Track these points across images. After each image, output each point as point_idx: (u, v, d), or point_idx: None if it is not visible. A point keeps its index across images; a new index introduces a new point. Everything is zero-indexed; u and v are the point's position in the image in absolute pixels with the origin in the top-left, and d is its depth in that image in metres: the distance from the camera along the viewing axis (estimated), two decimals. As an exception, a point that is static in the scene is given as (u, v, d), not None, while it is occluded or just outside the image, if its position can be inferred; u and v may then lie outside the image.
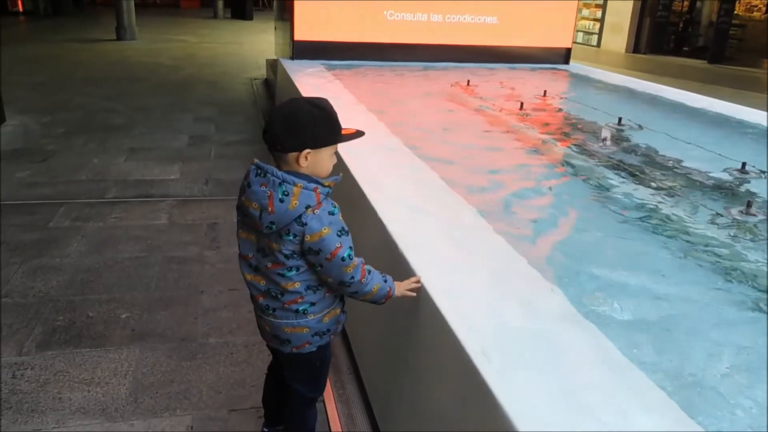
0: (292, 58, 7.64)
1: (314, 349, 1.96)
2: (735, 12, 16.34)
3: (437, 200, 2.76)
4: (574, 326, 1.76)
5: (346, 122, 1.84)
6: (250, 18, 23.69)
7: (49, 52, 12.67)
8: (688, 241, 2.84)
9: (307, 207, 1.71)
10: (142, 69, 11.16)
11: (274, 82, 8.65)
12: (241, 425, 2.40)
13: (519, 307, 1.86)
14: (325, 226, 1.72)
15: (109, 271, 3.61)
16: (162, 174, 5.43)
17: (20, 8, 21.22)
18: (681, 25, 18.80)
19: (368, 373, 2.67)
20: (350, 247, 1.79)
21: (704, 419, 1.63)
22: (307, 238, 1.72)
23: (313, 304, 1.88)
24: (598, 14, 19.55)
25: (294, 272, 1.81)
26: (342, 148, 1.93)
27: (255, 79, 10.67)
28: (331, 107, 1.81)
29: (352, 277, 1.81)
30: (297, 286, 1.83)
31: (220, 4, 24.39)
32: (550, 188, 3.61)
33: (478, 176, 3.65)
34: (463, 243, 2.31)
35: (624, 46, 18.34)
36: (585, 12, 19.49)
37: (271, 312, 1.91)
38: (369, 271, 1.87)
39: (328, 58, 7.57)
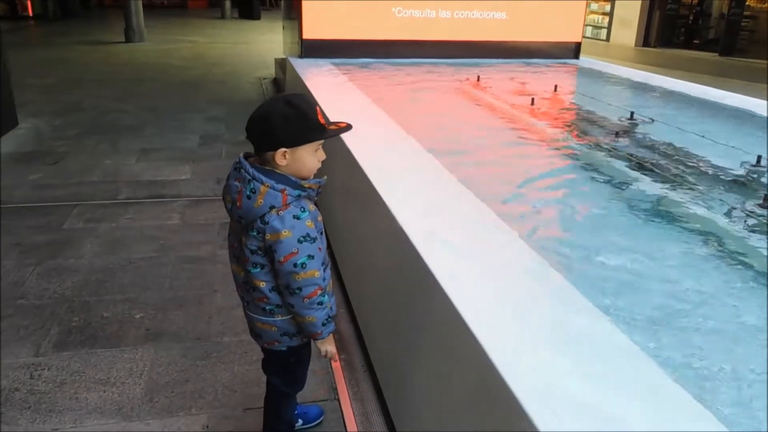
0: (301, 56, 7.64)
1: (284, 348, 1.98)
2: (747, 3, 16.16)
3: (453, 197, 2.75)
4: (591, 319, 1.75)
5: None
6: (258, 17, 23.76)
7: (58, 54, 12.75)
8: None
9: (272, 207, 1.72)
10: (152, 70, 11.21)
11: (282, 80, 8.66)
12: (256, 424, 2.39)
13: (534, 301, 1.85)
14: (286, 229, 1.72)
15: (122, 272, 3.63)
16: (173, 174, 5.45)
17: (30, 12, 21.35)
18: (691, 17, 18.63)
19: (383, 370, 2.66)
20: (309, 256, 1.76)
21: None
22: (268, 236, 1.74)
23: (279, 306, 1.88)
24: (607, 8, 19.41)
25: (258, 269, 1.82)
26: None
27: (264, 78, 10.69)
28: (308, 105, 1.78)
29: (299, 288, 1.78)
30: (262, 285, 1.84)
31: (228, 4, 24.45)
32: (564, 180, 3.59)
33: (491, 173, 3.64)
34: (477, 238, 2.29)
35: (633, 39, 18.19)
36: (594, 6, 19.35)
37: (245, 305, 1.95)
38: (320, 303, 1.83)
39: (337, 55, 7.57)
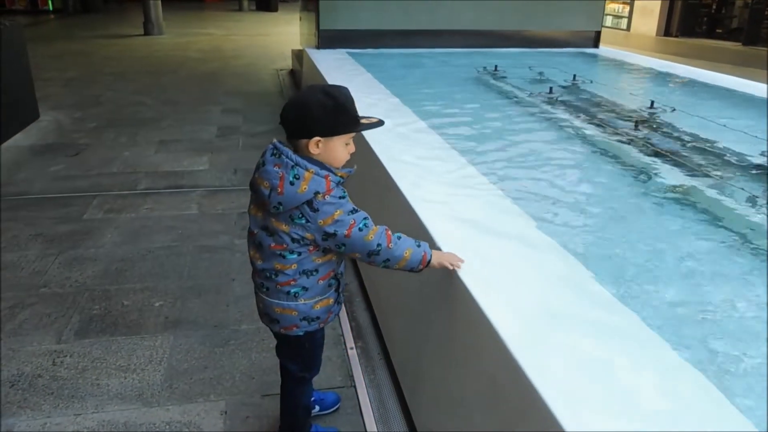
0: (318, 47, 7.65)
1: (301, 333, 1.98)
2: (771, -9, 15.86)
3: (470, 186, 2.74)
4: (611, 311, 1.74)
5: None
6: (275, 9, 23.82)
7: (78, 48, 12.88)
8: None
9: (317, 193, 1.73)
10: (170, 63, 11.29)
11: (300, 72, 8.68)
12: (274, 410, 2.41)
13: (553, 290, 1.84)
14: (337, 209, 1.75)
15: (142, 261, 3.68)
16: (192, 165, 5.49)
17: (50, 6, 21.60)
18: (714, 6, 18.33)
19: (399, 358, 2.67)
20: (365, 218, 1.80)
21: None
22: (320, 222, 1.75)
23: (305, 288, 1.89)
24: (628, -3, 19.16)
25: (295, 256, 1.83)
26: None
27: (281, 69, 10.72)
28: (346, 96, 1.80)
29: (379, 245, 1.80)
30: (294, 267, 1.85)
31: (246, -3, 24.53)
32: (581, 171, 3.56)
33: (510, 165, 3.62)
34: (495, 229, 2.29)
35: (655, 29, 17.95)
36: (614, -5, 19.11)
37: (264, 291, 1.95)
38: (398, 237, 1.86)
39: (354, 46, 7.57)
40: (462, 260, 1.98)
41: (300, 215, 1.76)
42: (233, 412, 2.47)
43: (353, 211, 1.79)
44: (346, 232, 1.76)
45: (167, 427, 2.38)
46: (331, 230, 1.76)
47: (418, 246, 1.89)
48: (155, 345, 2.89)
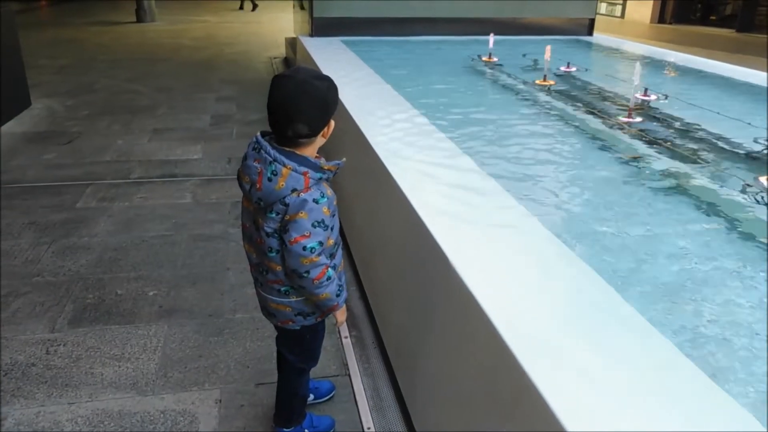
0: (312, 35, 7.60)
1: (297, 327, 1.99)
2: (765, -22, 15.84)
3: (465, 175, 2.74)
4: (602, 292, 1.75)
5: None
6: (269, -4, 23.56)
7: (71, 35, 12.77)
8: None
9: (294, 190, 1.69)
10: (164, 50, 11.21)
11: (293, 60, 8.63)
12: (268, 399, 2.43)
13: (546, 279, 1.84)
14: (303, 211, 1.70)
15: (136, 250, 3.67)
16: (185, 154, 5.47)
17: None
18: (708, -7, 18.31)
19: (393, 347, 2.68)
20: (319, 242, 1.74)
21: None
22: (287, 217, 1.72)
23: (294, 288, 1.88)
24: (623, -16, 19.10)
25: (274, 254, 1.81)
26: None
27: (275, 57, 10.66)
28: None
29: (307, 272, 1.76)
30: (278, 269, 1.84)
31: (239, -16, 24.25)
32: (575, 159, 3.56)
33: (500, 149, 3.61)
34: (488, 217, 2.29)
35: (649, 16, 17.93)
36: (609, -18, 19.05)
37: (259, 285, 1.96)
38: (329, 278, 1.81)
39: (348, 33, 7.52)
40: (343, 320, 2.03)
41: (271, 209, 1.73)
42: (228, 401, 2.48)
43: (317, 225, 1.73)
44: (292, 239, 1.71)
45: (162, 415, 2.39)
46: (287, 227, 1.72)
47: (338, 295, 1.88)
48: (149, 334, 2.89)
